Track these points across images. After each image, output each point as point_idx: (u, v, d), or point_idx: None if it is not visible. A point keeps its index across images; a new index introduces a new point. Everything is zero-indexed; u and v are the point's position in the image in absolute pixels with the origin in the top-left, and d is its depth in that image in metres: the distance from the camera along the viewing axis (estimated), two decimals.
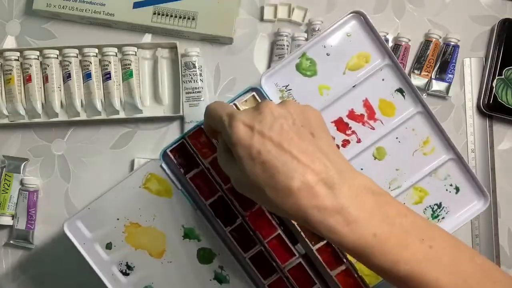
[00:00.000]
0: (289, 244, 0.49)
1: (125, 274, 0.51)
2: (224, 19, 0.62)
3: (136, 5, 0.62)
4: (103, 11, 0.62)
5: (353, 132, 0.52)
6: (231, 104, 0.50)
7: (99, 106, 0.62)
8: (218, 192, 0.50)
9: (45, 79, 0.61)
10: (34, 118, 0.62)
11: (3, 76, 0.62)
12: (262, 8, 0.65)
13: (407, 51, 0.64)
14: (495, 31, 0.65)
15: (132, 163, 0.63)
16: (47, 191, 0.63)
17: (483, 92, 0.64)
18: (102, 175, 0.63)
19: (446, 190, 0.53)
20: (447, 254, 0.37)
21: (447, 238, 0.38)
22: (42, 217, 0.63)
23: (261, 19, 0.65)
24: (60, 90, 0.62)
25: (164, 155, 0.50)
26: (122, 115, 0.63)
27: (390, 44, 0.65)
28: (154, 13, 0.62)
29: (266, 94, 0.51)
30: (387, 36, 0.64)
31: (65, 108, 0.63)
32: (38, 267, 0.63)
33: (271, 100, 0.38)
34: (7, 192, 0.62)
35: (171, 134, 0.64)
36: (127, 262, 0.51)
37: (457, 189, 0.53)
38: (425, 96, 0.65)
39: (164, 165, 0.50)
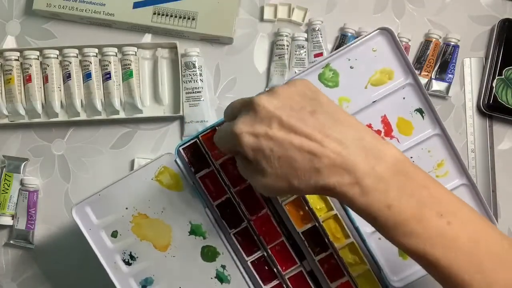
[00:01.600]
0: (292, 252, 0.49)
1: (128, 263, 0.51)
2: (224, 19, 0.62)
3: (136, 5, 0.62)
4: (103, 11, 0.62)
5: None
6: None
7: (99, 106, 0.62)
8: (226, 194, 0.50)
9: (45, 79, 0.61)
10: (34, 118, 0.62)
11: (3, 76, 0.62)
12: (262, 8, 0.65)
13: (407, 51, 0.64)
14: (495, 31, 0.65)
15: (132, 163, 0.63)
16: (47, 191, 0.63)
17: (483, 92, 0.64)
18: (102, 175, 0.63)
19: None
20: (467, 233, 0.34)
21: (473, 216, 0.36)
22: (42, 217, 0.63)
23: (261, 19, 0.65)
24: (60, 90, 0.62)
25: (178, 151, 0.50)
26: (122, 115, 0.63)
27: None
28: (154, 13, 0.62)
29: None
30: None
31: (65, 108, 0.63)
32: (38, 267, 0.63)
33: (260, 94, 0.38)
34: (7, 192, 0.62)
35: (171, 134, 0.64)
36: (130, 252, 0.50)
37: None
38: None
39: (178, 160, 0.50)
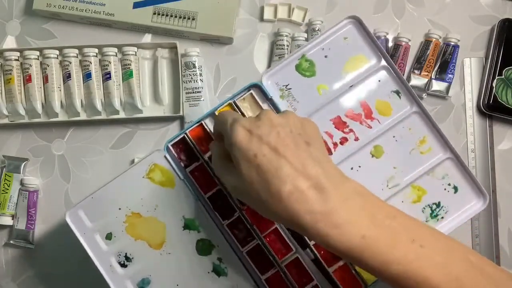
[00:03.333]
0: (286, 239, 0.50)
1: (123, 265, 0.51)
2: (224, 19, 0.62)
3: (136, 5, 0.62)
4: (103, 11, 0.62)
5: (351, 130, 0.54)
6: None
7: (99, 106, 0.62)
8: (217, 185, 0.51)
9: (45, 79, 0.61)
10: (34, 118, 0.62)
11: (3, 76, 0.62)
12: (262, 8, 0.65)
13: (407, 51, 0.64)
14: (495, 31, 0.65)
15: (132, 163, 0.63)
16: (47, 191, 0.63)
17: (483, 92, 0.64)
18: (102, 175, 0.63)
19: (445, 189, 0.54)
20: (439, 253, 0.37)
21: (440, 237, 0.39)
22: (42, 217, 0.63)
23: (261, 19, 0.65)
24: (60, 90, 0.62)
25: (167, 147, 0.52)
26: (122, 115, 0.63)
27: (390, 44, 0.65)
28: (154, 13, 0.62)
29: (266, 89, 0.53)
30: (387, 36, 0.64)
31: (65, 108, 0.63)
32: (38, 267, 0.63)
33: (271, 110, 0.41)
34: (7, 192, 0.62)
35: (171, 134, 0.64)
36: (126, 253, 0.51)
37: (456, 189, 0.54)
38: (425, 96, 0.65)
39: (168, 156, 0.51)
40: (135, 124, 0.64)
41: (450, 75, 0.64)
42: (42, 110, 0.62)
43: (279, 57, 0.63)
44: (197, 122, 0.51)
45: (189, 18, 0.62)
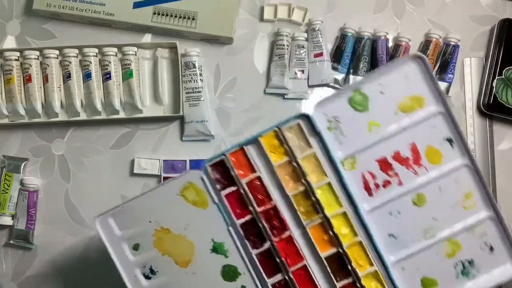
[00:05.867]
0: (314, 277, 0.48)
1: (147, 277, 0.50)
2: (224, 19, 0.62)
3: (136, 5, 0.62)
4: (103, 11, 0.62)
5: (396, 174, 0.51)
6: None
7: (99, 106, 0.62)
8: (251, 214, 0.49)
9: (45, 79, 0.61)
10: (34, 118, 0.62)
11: (3, 76, 0.62)
12: (262, 8, 0.65)
13: (407, 51, 0.64)
14: (495, 31, 0.65)
15: (132, 163, 0.63)
16: (47, 191, 0.63)
17: (483, 92, 0.64)
18: (102, 175, 0.63)
19: (481, 248, 0.51)
20: None
21: None
22: (42, 217, 0.63)
23: (261, 19, 0.65)
24: (60, 90, 0.62)
25: (205, 168, 0.50)
26: (122, 115, 0.63)
27: (390, 44, 0.65)
28: (154, 13, 0.62)
29: (315, 123, 0.50)
30: (387, 36, 0.64)
31: (65, 108, 0.63)
32: (38, 267, 0.63)
33: None
34: (7, 192, 0.62)
35: (171, 134, 0.64)
36: (151, 266, 0.50)
37: (492, 249, 0.51)
38: None
39: (204, 176, 0.49)
40: (135, 124, 0.64)
41: (450, 75, 0.64)
42: (42, 110, 0.62)
43: (279, 57, 0.63)
44: (238, 146, 0.49)
45: (189, 18, 0.62)
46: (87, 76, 0.61)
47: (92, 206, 0.63)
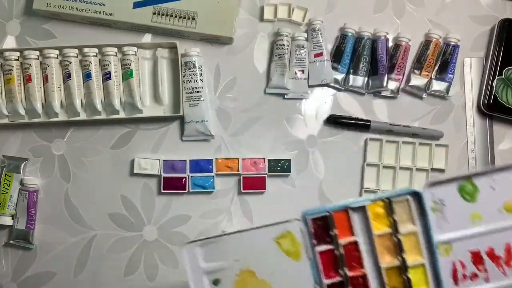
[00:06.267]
0: None
1: None
2: (224, 19, 0.62)
3: (136, 5, 0.62)
4: (103, 11, 0.62)
5: (485, 270, 0.51)
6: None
7: (99, 106, 0.62)
8: (340, 276, 0.48)
9: (45, 79, 0.61)
10: (34, 118, 0.62)
11: (3, 76, 0.62)
12: (262, 8, 0.65)
13: (407, 51, 0.64)
14: (495, 31, 0.65)
15: (132, 163, 0.63)
16: (47, 191, 0.63)
17: (483, 92, 0.64)
18: (102, 175, 0.63)
19: None
20: None
21: None
22: (42, 217, 0.63)
23: (261, 19, 0.65)
24: (60, 90, 0.62)
25: (305, 220, 0.49)
26: (122, 115, 0.63)
27: (390, 44, 0.65)
28: (154, 13, 0.62)
29: (425, 205, 0.49)
30: (387, 36, 0.64)
31: (65, 108, 0.63)
32: (38, 267, 0.63)
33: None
34: (7, 192, 0.62)
35: (171, 134, 0.64)
36: None
37: None
38: (425, 96, 0.65)
39: (303, 228, 0.49)
40: (135, 124, 0.64)
41: (450, 75, 0.64)
42: (42, 110, 0.62)
43: (279, 57, 0.63)
44: (343, 206, 0.48)
45: (189, 18, 0.62)
46: (87, 76, 0.61)
47: (92, 206, 0.63)
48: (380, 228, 0.48)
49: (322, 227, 0.49)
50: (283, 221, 0.48)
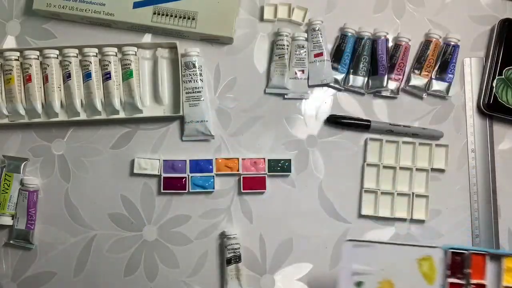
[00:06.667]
0: None
1: None
2: (224, 19, 0.62)
3: (136, 5, 0.62)
4: (103, 11, 0.62)
5: None
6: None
7: (99, 106, 0.62)
8: None
9: (45, 79, 0.61)
10: (34, 118, 0.62)
11: (3, 76, 0.62)
12: (262, 8, 0.65)
13: (407, 51, 0.64)
14: (495, 31, 0.65)
15: (132, 163, 0.63)
16: (47, 191, 0.63)
17: (483, 92, 0.64)
18: (102, 175, 0.63)
19: None
20: None
21: None
22: (42, 217, 0.63)
23: (261, 19, 0.65)
24: (60, 90, 0.62)
25: (445, 251, 0.52)
26: (122, 115, 0.63)
27: (390, 44, 0.65)
28: (154, 13, 0.62)
29: None
30: (387, 36, 0.64)
31: (65, 108, 0.63)
32: (38, 267, 0.63)
33: None
34: (7, 192, 0.62)
35: (171, 134, 0.64)
36: None
37: None
38: (425, 96, 0.65)
39: (443, 257, 0.52)
40: (135, 124, 0.64)
41: (450, 75, 0.64)
42: (42, 110, 0.62)
43: (279, 57, 0.63)
44: (485, 251, 0.52)
45: (189, 18, 0.62)
46: (87, 76, 0.61)
47: (92, 206, 0.63)
48: (509, 281, 0.51)
49: (458, 262, 0.52)
50: (429, 246, 0.53)
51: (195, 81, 0.62)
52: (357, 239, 0.53)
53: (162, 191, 0.62)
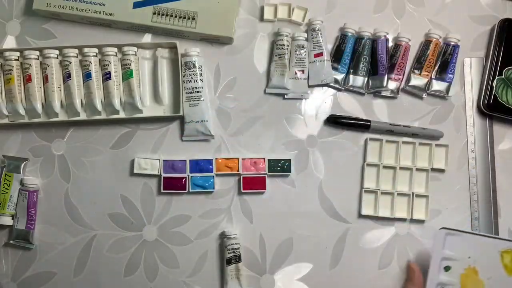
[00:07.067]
0: None
1: None
2: (224, 19, 0.62)
3: (136, 5, 0.62)
4: (103, 11, 0.62)
5: None
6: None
7: (99, 106, 0.62)
8: None
9: (45, 79, 0.61)
10: (34, 118, 0.62)
11: (3, 76, 0.62)
12: (262, 8, 0.65)
13: (407, 51, 0.64)
14: (495, 31, 0.65)
15: (132, 163, 0.63)
16: (47, 191, 0.63)
17: (483, 92, 0.64)
18: (102, 175, 0.63)
19: None
20: None
21: None
22: (42, 217, 0.63)
23: (261, 19, 0.65)
24: (60, 90, 0.62)
25: None
26: (122, 115, 0.63)
27: (390, 44, 0.65)
28: (154, 13, 0.62)
29: None
30: (387, 36, 0.64)
31: (65, 108, 0.63)
32: (38, 267, 0.63)
33: None
34: (7, 192, 0.62)
35: (171, 134, 0.64)
36: None
37: None
38: (425, 96, 0.65)
39: None
40: (135, 124, 0.64)
41: (450, 75, 0.64)
42: (42, 110, 0.62)
43: (279, 57, 0.63)
44: None
45: (189, 18, 0.62)
46: (87, 76, 0.61)
47: (92, 206, 0.63)
48: None
49: None
50: None
51: (195, 81, 0.62)
52: (450, 228, 0.58)
53: (162, 191, 0.62)
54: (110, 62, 0.61)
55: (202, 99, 0.62)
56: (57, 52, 0.62)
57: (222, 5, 0.62)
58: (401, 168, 0.64)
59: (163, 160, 0.62)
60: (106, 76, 0.61)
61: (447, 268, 0.58)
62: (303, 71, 0.63)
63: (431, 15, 0.66)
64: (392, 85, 0.64)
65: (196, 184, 0.62)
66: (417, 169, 0.64)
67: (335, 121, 0.64)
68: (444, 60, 0.64)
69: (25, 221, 0.62)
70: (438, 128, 0.65)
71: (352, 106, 0.65)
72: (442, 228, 0.58)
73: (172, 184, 0.62)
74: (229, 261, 0.61)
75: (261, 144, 0.64)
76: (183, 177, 0.62)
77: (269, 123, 0.64)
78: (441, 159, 0.64)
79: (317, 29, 0.63)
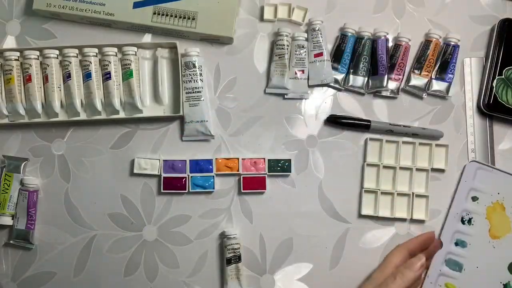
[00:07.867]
0: None
1: (463, 222, 0.62)
2: (224, 19, 0.62)
3: (136, 5, 0.62)
4: (103, 11, 0.62)
5: None
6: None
7: (99, 106, 0.62)
8: None
9: (45, 79, 0.61)
10: (34, 118, 0.62)
11: (3, 76, 0.62)
12: (262, 8, 0.65)
13: (407, 51, 0.64)
14: (495, 31, 0.65)
15: (132, 163, 0.63)
16: (47, 191, 0.63)
17: (483, 92, 0.64)
18: (102, 175, 0.63)
19: None
20: None
21: None
22: (42, 217, 0.63)
23: (261, 19, 0.65)
24: (60, 90, 0.62)
25: None
26: (122, 115, 0.63)
27: (390, 44, 0.65)
28: (154, 13, 0.62)
29: None
30: (387, 36, 0.64)
31: (65, 108, 0.63)
32: (38, 267, 0.63)
33: None
34: (7, 192, 0.62)
35: (171, 134, 0.64)
36: (471, 218, 0.62)
37: None
38: (425, 96, 0.65)
39: None
40: (135, 124, 0.64)
41: (450, 75, 0.64)
42: (42, 110, 0.62)
43: (279, 57, 0.63)
44: None
45: (189, 18, 0.62)
46: (87, 76, 0.61)
47: (92, 206, 0.63)
48: None
49: None
50: None
51: (195, 81, 0.62)
52: (482, 162, 0.62)
53: (162, 191, 0.62)
54: (110, 62, 0.61)
55: (202, 99, 0.62)
56: (57, 52, 0.62)
57: (222, 5, 0.62)
58: (401, 168, 0.64)
59: (163, 160, 0.62)
60: (106, 76, 0.61)
61: (474, 198, 0.62)
62: (303, 71, 0.63)
63: (431, 15, 0.66)
64: (392, 85, 0.64)
65: (196, 184, 0.62)
66: (417, 169, 0.64)
67: (335, 121, 0.64)
68: (444, 60, 0.64)
69: (25, 221, 0.62)
70: (438, 128, 0.65)
71: (352, 106, 0.65)
72: (473, 161, 0.62)
73: (172, 184, 0.62)
74: (229, 261, 0.61)
75: (261, 144, 0.64)
76: (183, 177, 0.62)
77: (269, 123, 0.64)
78: (441, 159, 0.64)
79: (317, 29, 0.63)
